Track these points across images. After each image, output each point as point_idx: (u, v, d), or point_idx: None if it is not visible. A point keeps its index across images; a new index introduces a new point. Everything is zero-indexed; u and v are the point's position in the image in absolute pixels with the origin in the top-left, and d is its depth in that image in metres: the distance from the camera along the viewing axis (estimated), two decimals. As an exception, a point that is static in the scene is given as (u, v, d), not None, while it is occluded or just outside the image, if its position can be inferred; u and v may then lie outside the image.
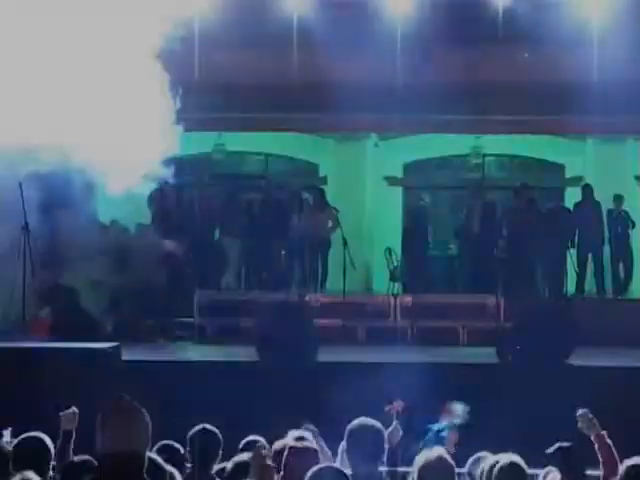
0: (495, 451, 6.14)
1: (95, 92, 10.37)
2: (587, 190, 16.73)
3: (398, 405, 6.87)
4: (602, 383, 10.25)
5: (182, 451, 6.06)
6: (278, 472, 4.90)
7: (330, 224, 15.69)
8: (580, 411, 6.20)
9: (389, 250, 16.48)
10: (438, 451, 5.49)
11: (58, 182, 11.96)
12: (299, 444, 5.20)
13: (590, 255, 16.40)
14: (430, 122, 16.27)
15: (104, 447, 4.06)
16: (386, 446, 5.55)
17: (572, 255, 15.90)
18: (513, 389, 10.34)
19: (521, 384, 10.40)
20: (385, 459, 5.63)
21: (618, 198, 16.42)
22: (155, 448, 5.01)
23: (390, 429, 5.96)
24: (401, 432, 6.10)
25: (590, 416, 6.15)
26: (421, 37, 15.63)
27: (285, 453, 5.08)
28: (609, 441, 6.05)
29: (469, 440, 8.81)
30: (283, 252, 15.82)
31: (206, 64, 15.83)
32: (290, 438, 5.94)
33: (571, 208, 16.75)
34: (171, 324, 14.18)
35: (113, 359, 9.95)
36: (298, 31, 16.00)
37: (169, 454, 5.45)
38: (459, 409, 9.06)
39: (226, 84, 15.71)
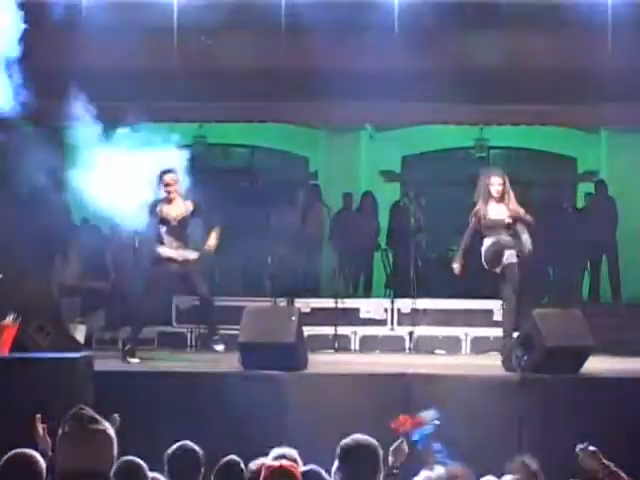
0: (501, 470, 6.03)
1: None
2: (601, 186, 16.66)
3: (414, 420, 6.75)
4: (617, 394, 10.20)
5: (145, 469, 5.80)
6: None
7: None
8: (580, 446, 5.76)
9: (386, 252, 16.36)
10: (439, 471, 5.42)
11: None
12: (276, 463, 5.13)
13: (604, 256, 16.34)
14: (431, 112, 16.17)
15: (64, 464, 3.93)
16: (385, 465, 5.43)
17: (585, 257, 15.85)
18: (520, 401, 10.27)
19: (529, 396, 10.32)
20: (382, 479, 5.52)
21: None
22: (115, 467, 4.83)
23: (395, 445, 5.83)
24: (406, 449, 5.94)
25: (593, 450, 5.72)
26: (421, 20, 15.62)
27: (263, 473, 5.02)
28: (624, 475, 5.62)
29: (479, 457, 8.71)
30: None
31: (185, 49, 15.76)
32: (270, 457, 5.86)
33: (583, 205, 16.74)
34: (148, 332, 14.09)
35: (84, 369, 9.84)
36: (287, 13, 15.95)
37: (131, 473, 5.31)
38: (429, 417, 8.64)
39: (207, 71, 15.64)
